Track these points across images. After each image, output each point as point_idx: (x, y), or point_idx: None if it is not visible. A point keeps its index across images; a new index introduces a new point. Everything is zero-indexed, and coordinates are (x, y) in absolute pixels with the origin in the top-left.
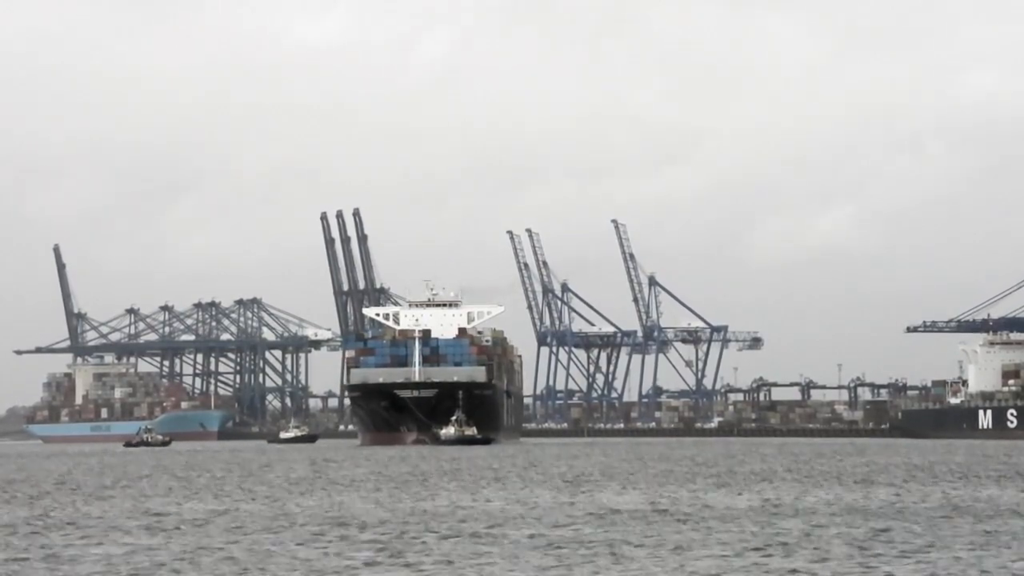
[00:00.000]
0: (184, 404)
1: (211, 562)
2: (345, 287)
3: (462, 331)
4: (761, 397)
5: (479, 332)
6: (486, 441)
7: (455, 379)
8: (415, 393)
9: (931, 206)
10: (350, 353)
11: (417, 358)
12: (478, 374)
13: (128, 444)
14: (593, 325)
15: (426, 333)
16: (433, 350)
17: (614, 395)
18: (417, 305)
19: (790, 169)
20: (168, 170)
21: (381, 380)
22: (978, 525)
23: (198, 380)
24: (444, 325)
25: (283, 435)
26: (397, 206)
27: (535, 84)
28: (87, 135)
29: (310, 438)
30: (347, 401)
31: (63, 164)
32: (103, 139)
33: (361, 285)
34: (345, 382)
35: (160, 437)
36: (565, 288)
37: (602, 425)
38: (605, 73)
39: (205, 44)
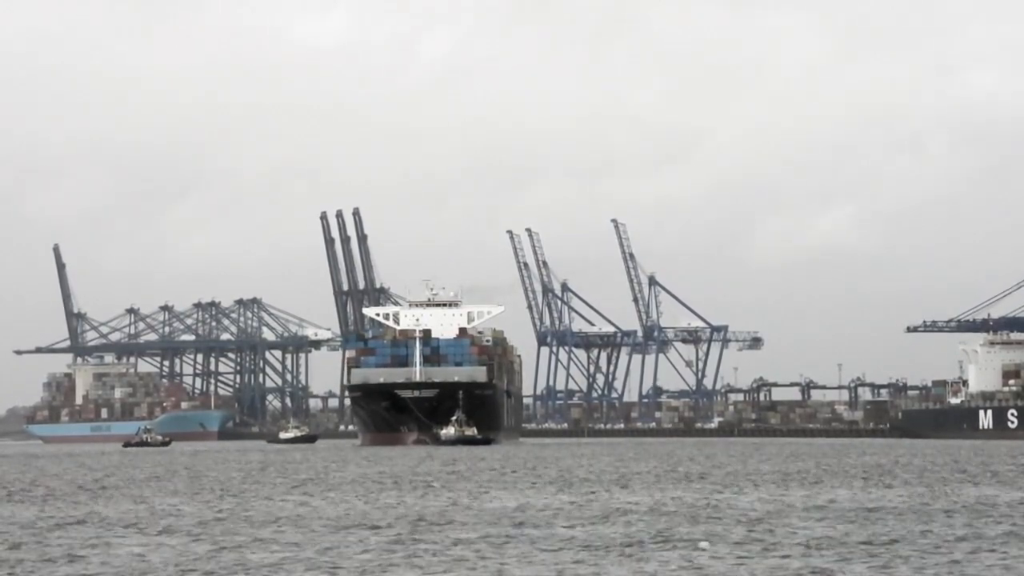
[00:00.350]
0: (184, 404)
1: (228, 561)
2: (345, 287)
3: (462, 331)
4: (761, 397)
5: (479, 332)
6: (486, 441)
7: (456, 379)
8: (416, 393)
9: (931, 206)
10: (351, 353)
11: (418, 358)
12: (479, 374)
13: (127, 444)
14: (593, 325)
15: (426, 333)
16: (434, 350)
17: (614, 395)
18: (417, 305)
19: (790, 169)
20: (168, 170)
21: (382, 380)
22: (999, 526)
23: (198, 380)
24: (444, 325)
25: (283, 435)
26: (397, 206)
27: (535, 84)
28: (87, 135)
29: (309, 438)
30: (347, 401)
31: (63, 164)
32: (103, 139)
33: (361, 285)
34: (346, 382)
35: (160, 437)
36: (565, 288)
37: (602, 425)
38: (605, 73)
39: (205, 44)
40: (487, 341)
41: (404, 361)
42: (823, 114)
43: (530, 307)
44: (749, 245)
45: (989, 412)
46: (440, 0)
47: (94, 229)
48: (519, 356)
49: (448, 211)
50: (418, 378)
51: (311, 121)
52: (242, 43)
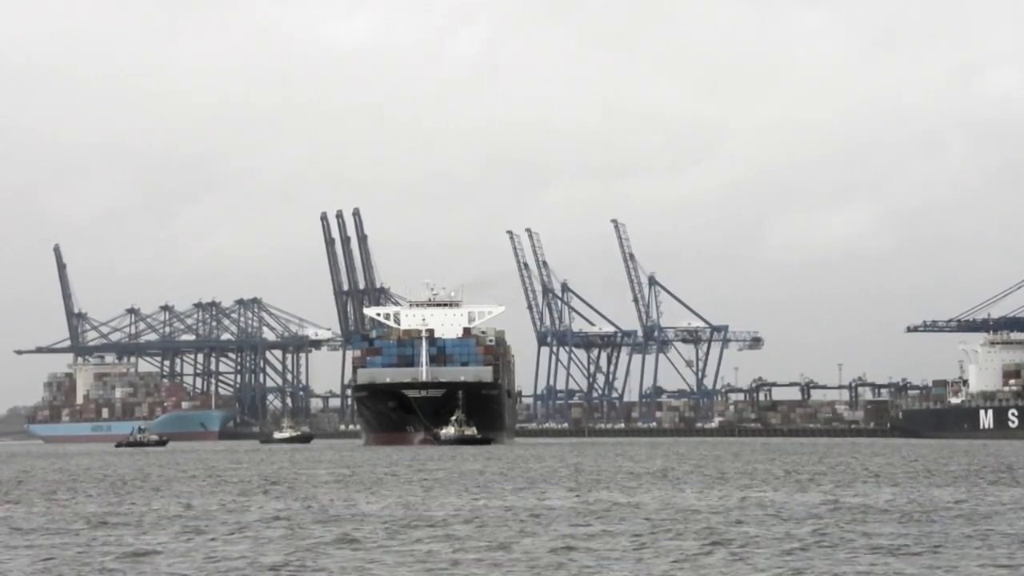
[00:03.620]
0: (184, 404)
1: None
2: (345, 287)
3: (467, 331)
4: (761, 397)
5: (482, 332)
6: (486, 441)
7: (462, 379)
8: (423, 393)
9: (934, 207)
10: (356, 353)
11: (424, 358)
12: (484, 374)
13: (120, 444)
14: (593, 325)
15: (430, 333)
16: (440, 350)
17: (614, 395)
18: (418, 305)
19: (800, 169)
20: (184, 172)
21: (388, 380)
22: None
23: (198, 380)
24: (446, 325)
25: (277, 435)
26: (400, 206)
27: (539, 85)
28: (89, 137)
29: (305, 438)
30: (349, 401)
31: (68, 165)
32: (107, 142)
33: (361, 285)
34: (351, 382)
35: (154, 437)
36: (565, 288)
37: (602, 425)
38: (622, 74)
39: (230, 45)
40: (490, 341)
41: (410, 361)
42: (838, 114)
43: (530, 307)
44: (753, 245)
45: (989, 412)
46: (459, 3)
47: (97, 230)
48: (513, 356)
49: (452, 212)
50: (425, 378)
51: (328, 123)
52: (265, 45)
